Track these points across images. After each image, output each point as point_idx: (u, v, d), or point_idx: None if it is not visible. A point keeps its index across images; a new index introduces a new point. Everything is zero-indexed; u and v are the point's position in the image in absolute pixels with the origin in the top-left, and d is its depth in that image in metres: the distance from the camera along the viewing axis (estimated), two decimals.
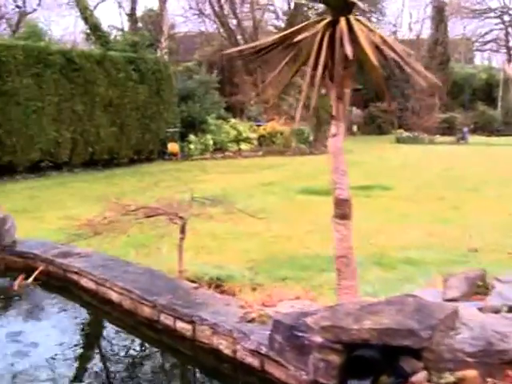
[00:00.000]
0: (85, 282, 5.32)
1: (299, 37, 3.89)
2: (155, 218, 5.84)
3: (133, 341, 4.67)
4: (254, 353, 3.67)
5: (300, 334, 3.35)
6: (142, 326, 4.59)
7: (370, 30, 3.96)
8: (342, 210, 4.13)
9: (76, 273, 5.46)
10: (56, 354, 4.25)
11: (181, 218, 5.42)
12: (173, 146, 23.52)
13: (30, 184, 15.79)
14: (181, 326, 4.21)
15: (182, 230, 5.65)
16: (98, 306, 5.12)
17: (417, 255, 7.11)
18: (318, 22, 4.05)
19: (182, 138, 24.21)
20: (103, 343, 4.69)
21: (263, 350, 3.60)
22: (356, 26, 3.83)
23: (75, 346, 4.47)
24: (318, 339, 3.20)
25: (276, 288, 5.87)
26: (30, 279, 5.63)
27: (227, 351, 3.88)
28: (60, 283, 5.67)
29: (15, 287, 5.49)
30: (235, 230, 8.07)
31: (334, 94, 4.04)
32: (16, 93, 17.01)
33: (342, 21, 3.83)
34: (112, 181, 16.78)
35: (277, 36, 4.17)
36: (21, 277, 5.58)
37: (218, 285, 5.81)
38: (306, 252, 7.59)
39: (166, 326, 4.37)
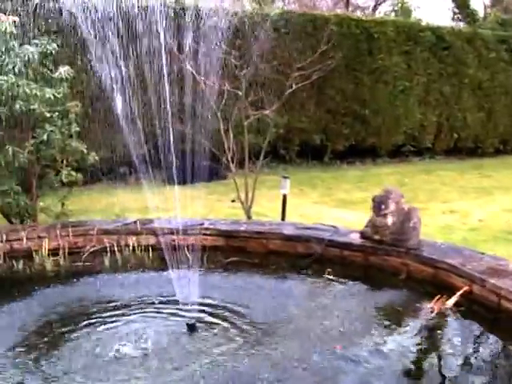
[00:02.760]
0: None
1: None
2: None
3: None
4: None
5: None
6: None
7: None
8: None
9: None
10: None
11: None
12: None
13: (392, 169, 14.57)
14: None
15: None
16: None
17: None
18: None
19: None
20: None
21: None
22: None
23: None
24: None
25: None
26: (450, 301, 3.99)
27: None
28: (490, 314, 3.91)
29: (433, 311, 3.89)
30: None
31: None
32: (385, 71, 15.92)
33: None
34: (482, 172, 14.67)
35: None
36: (441, 298, 3.96)
37: None
38: None
39: None
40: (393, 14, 23.61)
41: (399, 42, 16.38)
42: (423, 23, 18.16)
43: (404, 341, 3.62)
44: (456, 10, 28.03)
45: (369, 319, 3.95)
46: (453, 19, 29.11)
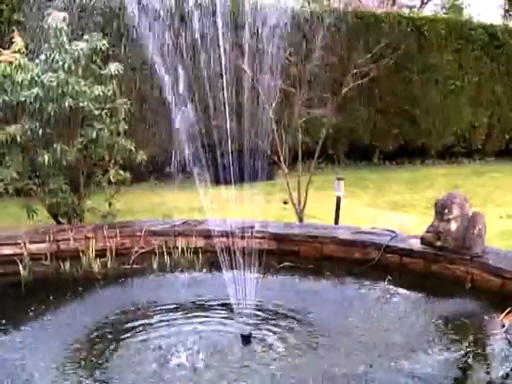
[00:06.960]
0: None
1: None
2: None
3: None
4: None
5: None
6: None
7: None
8: None
9: None
10: None
11: None
12: None
13: (442, 170, 14.13)
14: None
15: None
16: None
17: None
18: None
19: None
20: None
21: None
22: None
23: None
24: None
25: None
26: None
27: None
28: None
29: (504, 325, 3.61)
30: None
31: None
32: (435, 70, 15.50)
33: None
34: None
35: None
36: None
37: None
38: None
39: None
40: (440, 11, 23.10)
41: (450, 40, 15.93)
42: (474, 21, 17.64)
43: (475, 357, 3.35)
44: (507, 8, 27.31)
45: (434, 332, 3.69)
46: (504, 16, 28.36)
